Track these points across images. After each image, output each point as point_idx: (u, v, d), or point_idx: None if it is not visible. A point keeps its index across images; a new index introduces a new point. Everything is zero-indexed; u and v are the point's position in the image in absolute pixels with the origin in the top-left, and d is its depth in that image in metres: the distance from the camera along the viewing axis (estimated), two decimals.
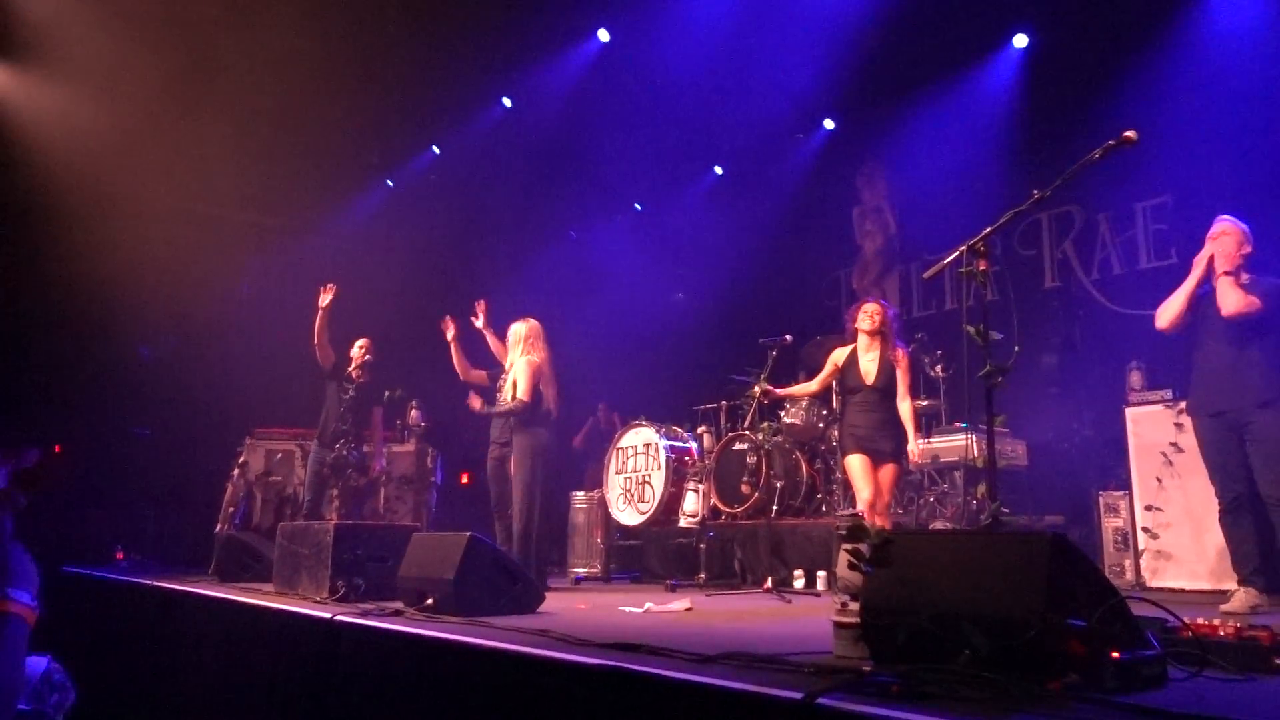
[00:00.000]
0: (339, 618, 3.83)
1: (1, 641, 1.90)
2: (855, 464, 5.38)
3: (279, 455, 7.57)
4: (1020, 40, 7.52)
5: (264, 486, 7.29)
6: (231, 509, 7.10)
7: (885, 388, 5.37)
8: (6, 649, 1.91)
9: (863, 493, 5.29)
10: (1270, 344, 4.35)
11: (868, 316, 5.50)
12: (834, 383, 5.75)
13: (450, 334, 6.34)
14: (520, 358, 6.07)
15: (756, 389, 6.08)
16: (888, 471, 5.34)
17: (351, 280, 9.23)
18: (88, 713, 3.39)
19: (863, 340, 5.48)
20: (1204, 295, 4.55)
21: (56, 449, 8.42)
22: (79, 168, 7.74)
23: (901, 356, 5.45)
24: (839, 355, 5.59)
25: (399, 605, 4.20)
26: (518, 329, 6.24)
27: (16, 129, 7.76)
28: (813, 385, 5.89)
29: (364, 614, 3.92)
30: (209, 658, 4.83)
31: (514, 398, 5.87)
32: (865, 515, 5.12)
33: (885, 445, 5.32)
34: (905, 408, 5.36)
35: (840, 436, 5.73)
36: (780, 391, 6.06)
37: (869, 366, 5.42)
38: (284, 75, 7.62)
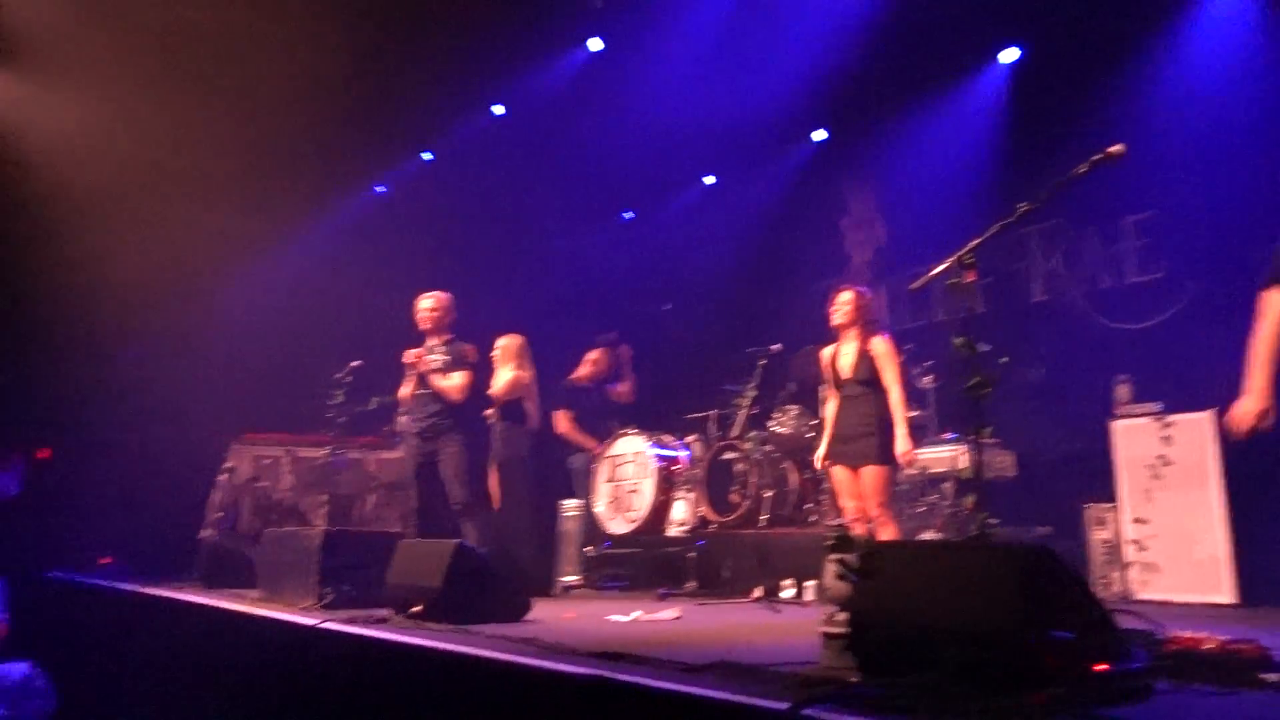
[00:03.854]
0: (325, 625, 3.82)
1: None
2: (835, 476, 5.30)
3: (266, 461, 7.51)
4: (1008, 55, 7.57)
5: (251, 492, 7.23)
6: (218, 514, 7.05)
7: (866, 379, 5.17)
8: None
9: (846, 505, 5.24)
10: None
11: (839, 310, 5.31)
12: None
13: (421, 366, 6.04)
14: (510, 373, 6.13)
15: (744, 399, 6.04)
16: (870, 475, 5.07)
17: (341, 286, 9.25)
18: (69, 719, 3.36)
19: (841, 334, 5.35)
20: None
21: (45, 453, 8.38)
22: (61, 170, 7.70)
23: (879, 342, 5.23)
24: (826, 354, 5.48)
25: (386, 613, 4.18)
26: (507, 344, 6.26)
27: (5, 133, 7.72)
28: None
29: (350, 621, 3.91)
30: (193, 664, 4.80)
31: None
32: (853, 527, 5.05)
33: (864, 445, 5.10)
34: (891, 398, 5.11)
35: (826, 443, 5.61)
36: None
37: (846, 360, 5.28)
38: (274, 81, 7.61)
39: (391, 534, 5.64)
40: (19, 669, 3.20)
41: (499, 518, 6.18)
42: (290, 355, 8.48)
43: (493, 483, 6.34)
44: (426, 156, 9.77)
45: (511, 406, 6.52)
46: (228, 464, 7.30)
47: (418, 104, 8.59)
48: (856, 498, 5.20)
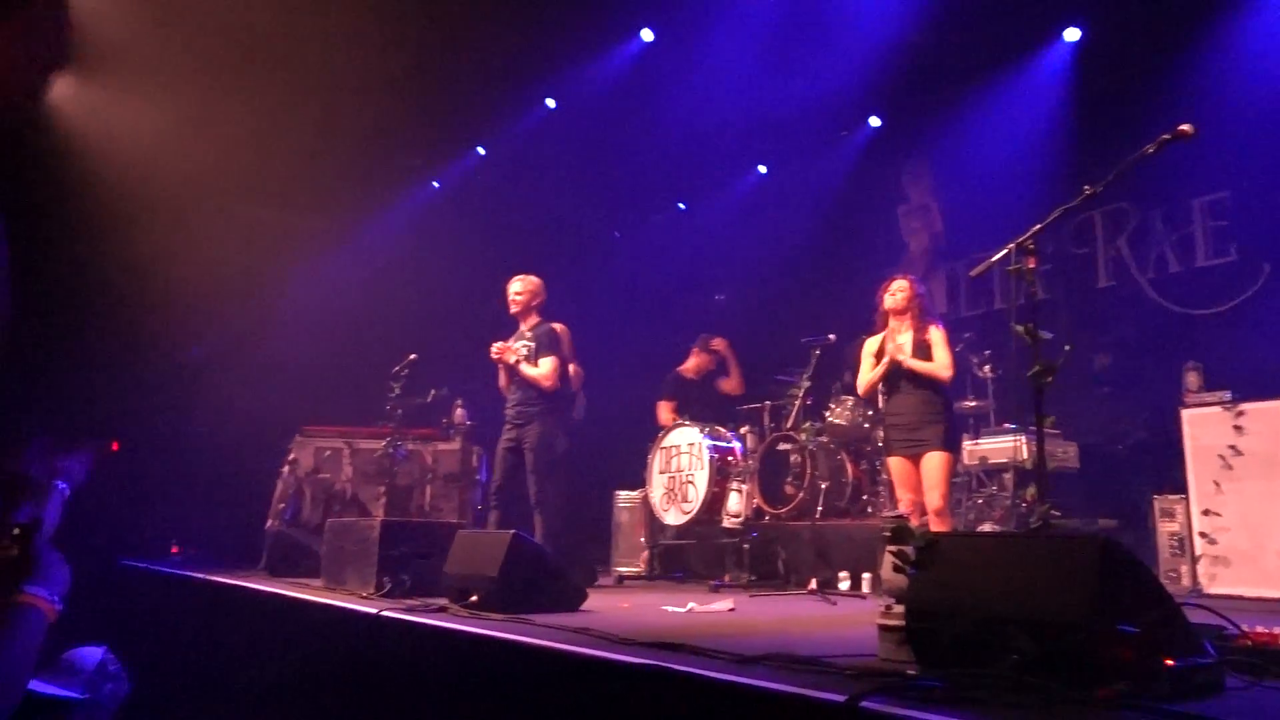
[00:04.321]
0: (384, 613, 3.88)
1: (15, 630, 1.95)
2: (893, 468, 5.21)
3: (327, 452, 7.68)
4: (1072, 34, 7.36)
5: (313, 483, 7.40)
6: (281, 505, 7.22)
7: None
8: (20, 637, 1.96)
9: (903, 496, 5.17)
10: None
11: (893, 295, 5.25)
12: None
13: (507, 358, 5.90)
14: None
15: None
16: (933, 461, 4.96)
17: (397, 280, 9.40)
18: (140, 702, 3.47)
19: (893, 321, 5.27)
20: None
21: (114, 445, 8.66)
22: (132, 171, 7.91)
23: (936, 330, 5.19)
24: (872, 345, 5.38)
25: (443, 602, 4.23)
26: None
27: (72, 133, 7.97)
28: (859, 386, 5.59)
29: (409, 609, 3.97)
30: (258, 650, 4.92)
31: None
32: (910, 518, 4.98)
33: (926, 433, 5.01)
34: (941, 372, 5.06)
35: (884, 433, 5.54)
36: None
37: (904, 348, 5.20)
38: (331, 81, 7.74)
39: (448, 524, 5.71)
40: (95, 653, 3.30)
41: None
42: (350, 349, 8.64)
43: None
44: (481, 151, 9.85)
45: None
46: (290, 456, 7.46)
47: (472, 99, 8.66)
48: (914, 490, 5.13)
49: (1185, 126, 3.32)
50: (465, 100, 8.65)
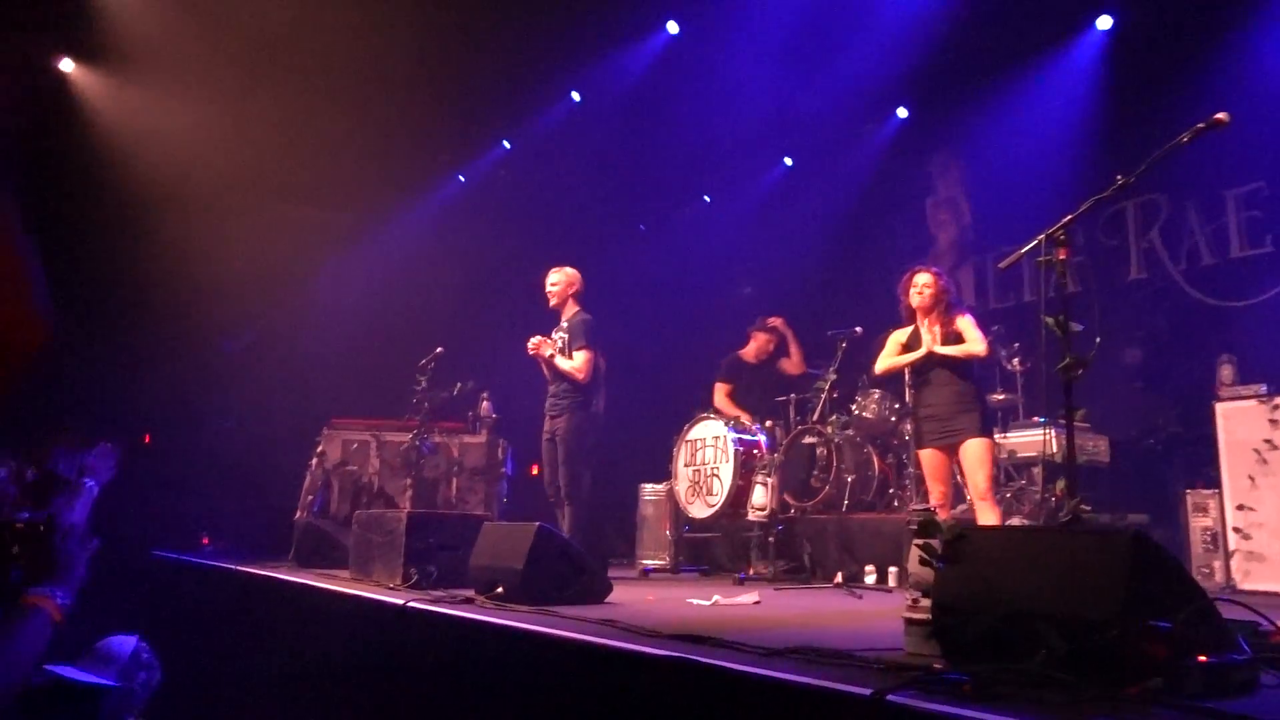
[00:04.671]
0: (411, 604, 3.91)
1: (18, 632, 2.00)
2: (926, 460, 5.14)
3: (355, 445, 7.74)
4: (1104, 22, 7.25)
5: (341, 475, 7.46)
6: (310, 497, 7.29)
7: (955, 360, 5.06)
8: (20, 639, 2.01)
9: (935, 489, 5.13)
10: None
11: (920, 292, 5.13)
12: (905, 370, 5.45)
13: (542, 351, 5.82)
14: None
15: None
16: (974, 448, 4.89)
17: (423, 275, 9.45)
18: (172, 690, 3.51)
19: (920, 319, 5.19)
20: None
21: (146, 439, 8.78)
22: (163, 169, 8.01)
23: (961, 318, 5.12)
24: (901, 336, 5.32)
25: (469, 593, 4.26)
26: None
27: (100, 129, 8.08)
28: (878, 366, 5.50)
29: (435, 601, 3.99)
30: (287, 640, 4.98)
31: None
32: (939, 511, 4.91)
33: (962, 422, 4.95)
34: (976, 348, 5.02)
35: (914, 426, 5.47)
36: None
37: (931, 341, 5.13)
38: (355, 72, 7.78)
39: (474, 516, 5.73)
40: (129, 642, 3.36)
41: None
42: (378, 343, 8.71)
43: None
44: (506, 145, 9.87)
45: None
46: (319, 449, 7.53)
47: (498, 93, 8.68)
48: (945, 482, 5.10)
49: (1221, 115, 3.26)
50: (491, 94, 8.68)
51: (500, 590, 4.13)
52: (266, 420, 8.69)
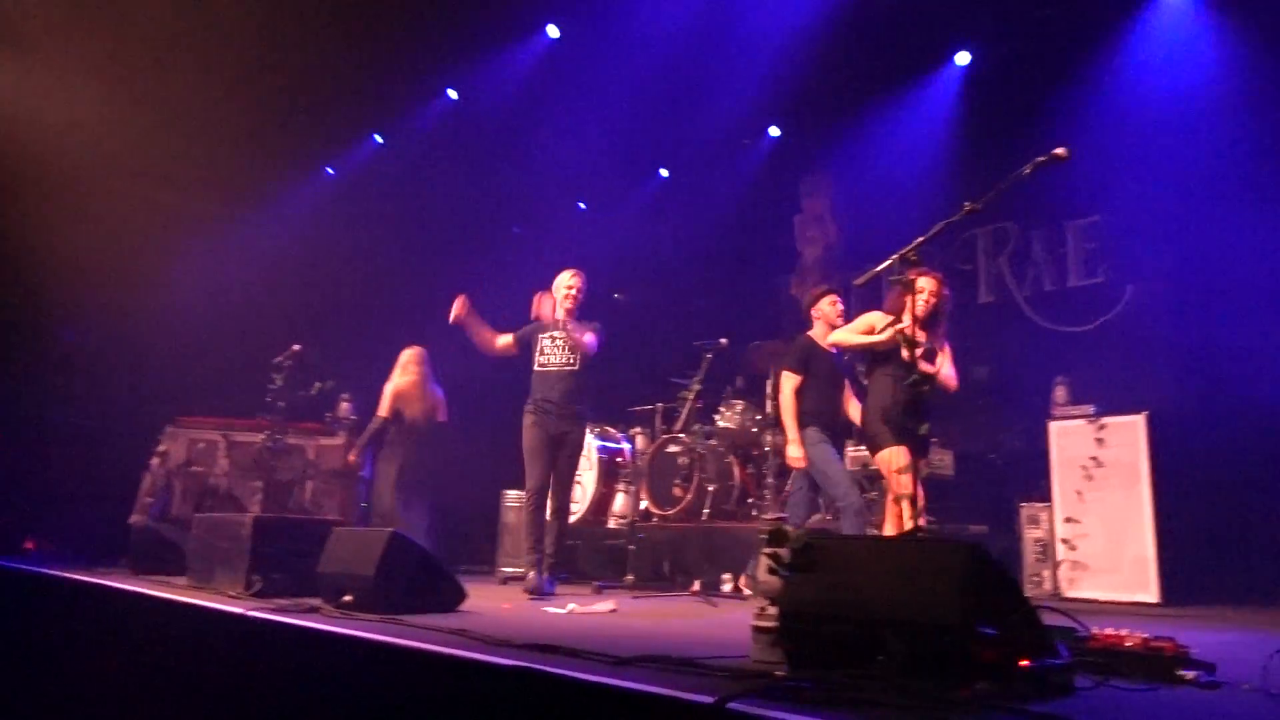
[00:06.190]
0: (251, 613, 3.72)
1: None
2: (900, 457, 4.24)
3: (202, 444, 7.33)
4: (963, 58, 7.64)
5: (185, 476, 7.06)
6: (149, 499, 6.87)
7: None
8: None
9: (904, 490, 4.14)
10: None
11: (923, 299, 4.41)
12: (798, 368, 5.21)
13: (456, 315, 5.63)
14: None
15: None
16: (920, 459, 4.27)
17: (286, 269, 9.06)
18: None
19: (911, 326, 4.02)
20: None
21: None
22: (10, 140, 7.46)
23: (944, 348, 4.64)
24: (874, 318, 4.74)
25: (316, 602, 4.09)
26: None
27: None
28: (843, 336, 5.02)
29: (279, 610, 3.82)
30: (120, 654, 4.66)
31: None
32: (893, 519, 4.43)
33: (918, 427, 4.17)
34: (952, 385, 4.62)
35: (868, 419, 4.79)
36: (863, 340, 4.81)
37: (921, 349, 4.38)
38: (222, 58, 7.44)
39: (327, 521, 5.53)
40: None
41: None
42: (232, 338, 8.30)
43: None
44: (378, 139, 9.60)
45: (398, 415, 6.69)
46: (160, 447, 7.11)
47: (371, 86, 8.44)
48: (913, 481, 4.63)
49: (1059, 150, 3.46)
50: (364, 86, 8.42)
51: (349, 599, 3.99)
52: (107, 416, 8.16)
